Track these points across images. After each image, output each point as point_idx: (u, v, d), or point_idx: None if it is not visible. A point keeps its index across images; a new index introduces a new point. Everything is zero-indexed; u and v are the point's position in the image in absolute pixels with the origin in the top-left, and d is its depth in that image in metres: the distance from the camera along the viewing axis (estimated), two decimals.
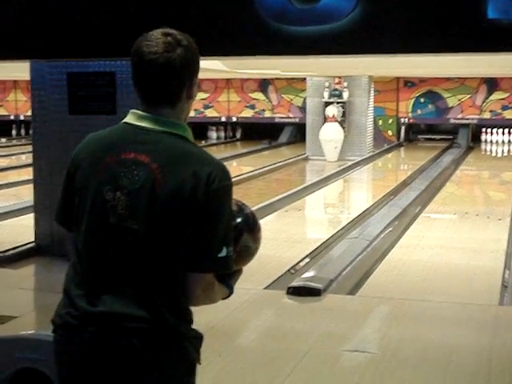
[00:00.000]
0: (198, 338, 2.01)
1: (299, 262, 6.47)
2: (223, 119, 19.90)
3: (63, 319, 1.93)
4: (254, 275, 6.07)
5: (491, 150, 17.59)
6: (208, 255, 1.89)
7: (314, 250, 6.93)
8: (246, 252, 2.14)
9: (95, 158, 1.95)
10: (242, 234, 2.10)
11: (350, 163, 14.20)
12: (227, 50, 6.02)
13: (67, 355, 1.93)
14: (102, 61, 6.42)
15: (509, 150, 17.42)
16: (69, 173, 2.02)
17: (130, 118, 1.97)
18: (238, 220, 2.09)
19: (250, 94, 19.58)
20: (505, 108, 17.98)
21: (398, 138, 18.58)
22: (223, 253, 1.89)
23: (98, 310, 1.87)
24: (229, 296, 2.12)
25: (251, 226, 2.15)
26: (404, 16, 6.05)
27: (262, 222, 7.20)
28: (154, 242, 1.87)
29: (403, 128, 18.68)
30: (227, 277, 2.08)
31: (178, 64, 1.90)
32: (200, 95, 19.84)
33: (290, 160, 15.39)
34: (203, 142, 19.68)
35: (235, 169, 14.86)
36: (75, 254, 1.96)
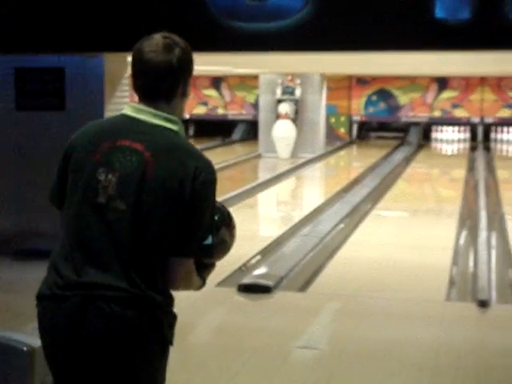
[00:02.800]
0: (172, 314, 2.14)
1: (250, 259, 6.46)
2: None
3: (50, 290, 2.05)
4: None
5: (441, 148, 17.84)
6: (194, 242, 2.05)
7: (266, 247, 6.93)
8: (223, 246, 2.25)
9: (92, 142, 2.10)
10: (220, 227, 2.23)
11: (302, 160, 14.25)
12: None
13: (51, 323, 2.04)
14: (52, 56, 6.33)
15: (458, 148, 17.68)
16: (65, 155, 2.15)
17: (128, 110, 2.13)
18: (217, 215, 2.20)
19: (203, 91, 19.52)
20: (455, 106, 18.24)
21: (350, 136, 18.72)
22: (209, 241, 2.07)
23: (81, 280, 2.01)
24: (201, 287, 2.26)
25: (228, 222, 2.29)
26: (353, 14, 6.08)
27: None
28: (139, 223, 2.00)
29: (355, 126, 18.83)
30: (202, 269, 2.20)
31: (175, 63, 2.09)
32: None
33: (243, 157, 15.39)
34: None
35: None
36: (64, 230, 2.08)
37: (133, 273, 2.00)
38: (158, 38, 2.11)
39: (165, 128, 2.08)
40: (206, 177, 2.04)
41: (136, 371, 2.05)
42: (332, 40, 6.12)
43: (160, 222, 2.01)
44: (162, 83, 2.10)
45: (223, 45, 6.54)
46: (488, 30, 5.69)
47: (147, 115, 2.09)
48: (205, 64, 12.14)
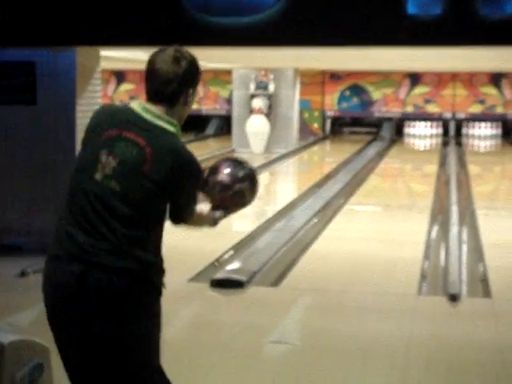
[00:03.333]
0: (162, 269, 2.53)
1: (223, 254, 6.46)
2: None
3: (57, 252, 2.36)
4: (178, 267, 6.05)
5: (414, 143, 17.95)
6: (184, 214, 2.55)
7: (239, 242, 6.93)
8: (240, 196, 2.69)
9: (100, 126, 2.43)
10: (245, 181, 2.68)
11: (275, 156, 14.27)
12: (150, 40, 5.96)
13: (54, 281, 2.35)
14: (23, 50, 6.27)
15: (431, 144, 17.80)
16: (86, 130, 2.50)
17: (137, 107, 2.43)
18: (243, 169, 2.69)
19: None
20: (427, 102, 18.36)
21: (324, 131, 18.77)
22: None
23: (82, 246, 2.31)
24: (212, 226, 2.73)
25: (253, 179, 2.71)
26: (326, 9, 6.09)
27: None
28: (130, 203, 2.33)
29: (329, 121, 18.88)
30: (217, 210, 2.68)
31: (180, 74, 2.42)
32: (125, 86, 19.61)
33: (217, 152, 15.36)
34: None
35: None
36: (66, 198, 2.41)
37: (125, 242, 2.33)
38: (169, 51, 2.44)
39: (165, 130, 2.40)
40: (192, 173, 2.43)
41: (133, 318, 2.37)
42: (305, 35, 6.13)
43: (147, 206, 2.36)
44: (167, 90, 2.42)
45: (196, 39, 6.51)
46: (459, 25, 5.73)
47: (152, 116, 2.40)
48: None
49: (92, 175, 2.36)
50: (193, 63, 2.46)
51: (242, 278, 5.45)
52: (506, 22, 5.77)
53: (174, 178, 2.37)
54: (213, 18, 6.36)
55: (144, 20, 6.04)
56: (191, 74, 2.46)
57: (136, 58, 10.37)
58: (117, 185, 2.34)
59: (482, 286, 5.70)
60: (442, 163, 13.82)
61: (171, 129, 2.42)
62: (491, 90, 18.03)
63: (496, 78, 17.91)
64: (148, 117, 2.40)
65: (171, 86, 2.42)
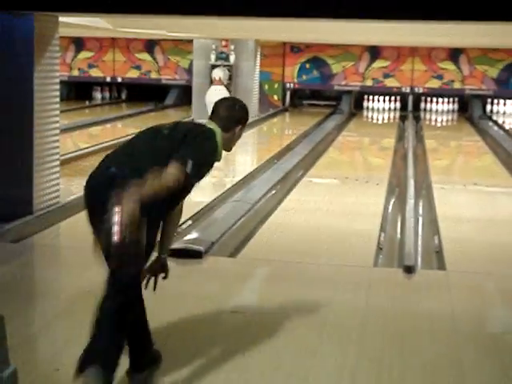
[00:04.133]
0: None
1: (181, 224, 6.44)
2: (108, 79, 19.47)
3: (93, 174, 3.27)
4: None
5: (372, 117, 18.06)
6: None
7: (197, 212, 6.93)
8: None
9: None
10: None
11: None
12: (108, 7, 5.87)
13: (92, 186, 3.26)
14: None
15: (389, 118, 17.93)
16: None
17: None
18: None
19: (136, 55, 19.23)
20: (386, 76, 18.45)
21: (284, 103, 18.77)
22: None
23: (110, 170, 3.20)
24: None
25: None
26: None
27: None
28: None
29: (288, 93, 18.87)
30: None
31: (236, 113, 3.48)
32: (84, 54, 19.33)
33: None
34: (87, 102, 19.25)
35: (120, 130, 14.64)
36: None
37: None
38: (230, 97, 3.86)
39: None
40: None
41: None
42: (265, 6, 6.10)
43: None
44: (225, 118, 3.44)
45: (157, 8, 6.44)
46: (419, 0, 5.75)
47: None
48: (138, 27, 11.95)
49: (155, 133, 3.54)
50: (245, 109, 3.52)
51: (200, 248, 5.46)
52: None
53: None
54: None
55: None
56: (241, 116, 3.49)
57: (96, 25, 10.19)
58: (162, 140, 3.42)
59: (436, 258, 5.80)
60: (400, 137, 13.95)
61: (212, 127, 3.39)
62: (449, 66, 18.19)
63: (454, 54, 18.05)
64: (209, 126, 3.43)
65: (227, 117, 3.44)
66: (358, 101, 18.64)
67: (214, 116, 3.46)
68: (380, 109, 18.60)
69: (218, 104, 3.52)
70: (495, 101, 18.19)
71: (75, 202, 6.94)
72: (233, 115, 3.44)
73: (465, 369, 3.64)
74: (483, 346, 3.94)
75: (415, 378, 3.56)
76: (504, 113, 18.18)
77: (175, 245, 5.55)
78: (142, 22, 10.09)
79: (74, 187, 7.92)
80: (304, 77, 18.71)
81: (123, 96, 19.86)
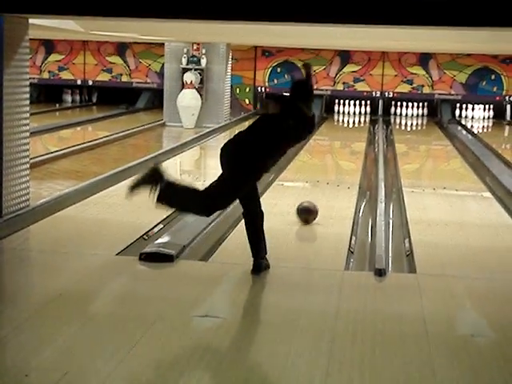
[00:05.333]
0: None
1: (153, 227, 6.43)
2: (79, 82, 19.34)
3: None
4: (106, 241, 6.01)
5: (343, 121, 18.14)
6: None
7: (169, 216, 6.90)
8: None
9: None
10: None
11: (206, 130, 14.22)
12: (80, 9, 5.84)
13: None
14: None
15: (360, 122, 18.03)
16: None
17: None
18: None
19: (107, 58, 19.14)
20: (356, 80, 18.55)
21: (255, 107, 18.78)
22: None
23: None
24: None
25: None
26: None
27: (116, 187, 7.15)
28: None
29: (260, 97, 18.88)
30: None
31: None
32: (54, 57, 19.19)
33: (147, 126, 15.24)
34: (57, 105, 19.11)
35: (90, 134, 14.55)
36: None
37: None
38: None
39: None
40: None
41: None
42: (237, 10, 6.10)
43: None
44: None
45: (129, 10, 6.41)
46: (390, 4, 5.79)
47: None
48: (110, 30, 11.89)
49: None
50: None
51: (171, 251, 5.44)
52: (436, 2, 5.85)
53: None
54: None
55: None
56: None
57: (67, 27, 10.12)
58: None
59: (407, 261, 5.84)
60: (371, 141, 14.03)
61: None
62: (419, 71, 18.34)
63: (424, 59, 18.22)
64: None
65: None
66: (328, 105, 18.72)
67: None
68: (351, 113, 18.69)
69: None
70: (464, 105, 18.41)
71: (45, 205, 6.89)
72: None
73: (435, 371, 3.66)
74: (454, 348, 3.97)
75: (386, 380, 3.58)
76: (472, 117, 18.39)
77: (146, 249, 5.54)
78: (113, 25, 10.05)
79: (43, 191, 7.87)
80: (275, 81, 18.74)
81: (94, 99, 19.74)
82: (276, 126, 5.12)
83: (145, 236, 6.18)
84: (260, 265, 5.13)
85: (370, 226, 6.93)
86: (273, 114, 5.21)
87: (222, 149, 5.15)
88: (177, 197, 5.08)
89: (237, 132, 5.23)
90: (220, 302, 4.68)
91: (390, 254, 6.01)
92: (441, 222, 7.14)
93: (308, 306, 4.62)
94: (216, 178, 5.21)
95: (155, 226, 6.49)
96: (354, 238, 6.41)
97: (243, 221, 5.35)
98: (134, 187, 5.07)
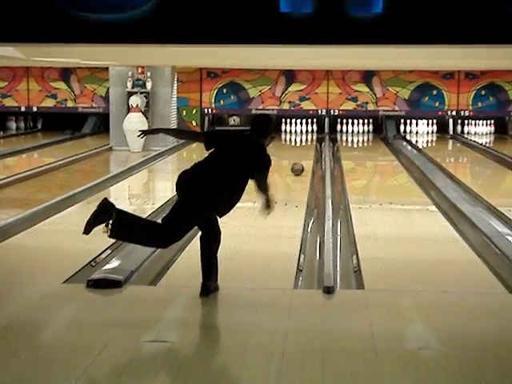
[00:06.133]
0: None
1: (100, 253, 6.37)
2: (23, 109, 19.13)
3: None
4: (53, 269, 5.93)
5: (291, 140, 18.27)
6: None
7: (117, 241, 6.84)
8: None
9: None
10: None
11: (154, 153, 14.18)
12: (18, 36, 5.79)
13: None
14: None
15: (307, 140, 18.17)
16: None
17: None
18: None
19: (52, 84, 18.97)
20: (302, 99, 18.73)
21: (202, 129, 18.79)
22: None
23: None
24: None
25: None
26: (199, 7, 6.11)
27: (62, 214, 7.07)
28: None
29: (207, 118, 18.92)
30: None
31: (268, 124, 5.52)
32: None
33: (94, 151, 15.13)
34: (1, 132, 18.84)
35: (36, 160, 14.38)
36: None
37: None
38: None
39: None
40: None
41: None
42: (178, 33, 6.12)
43: None
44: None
45: (68, 36, 6.38)
46: (329, 24, 5.88)
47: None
48: (51, 56, 11.80)
49: None
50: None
51: (119, 277, 5.39)
52: (374, 21, 5.96)
53: None
54: (85, 14, 6.25)
55: (14, 15, 5.86)
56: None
57: (8, 54, 10.02)
58: None
59: (355, 277, 5.89)
60: (318, 159, 14.14)
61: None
62: (363, 88, 18.61)
63: (367, 76, 18.50)
64: None
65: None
66: (275, 124, 18.80)
67: None
68: (297, 131, 18.84)
69: None
70: (408, 121, 18.73)
71: None
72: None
73: None
74: (401, 361, 4.02)
75: None
76: (416, 132, 18.72)
77: (94, 275, 5.48)
78: (54, 51, 9.97)
79: None
80: (222, 102, 18.80)
81: (39, 125, 19.53)
82: (232, 158, 5.16)
83: (92, 262, 6.12)
84: (208, 287, 5.12)
85: (318, 244, 6.98)
86: (230, 146, 5.25)
87: (178, 178, 5.21)
88: (131, 230, 5.04)
89: (194, 162, 5.29)
90: (169, 325, 4.65)
91: (339, 271, 6.05)
92: (388, 237, 7.23)
93: (257, 326, 4.63)
94: (170, 209, 5.17)
95: (103, 251, 6.43)
96: (302, 256, 6.45)
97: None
98: (89, 226, 5.02)
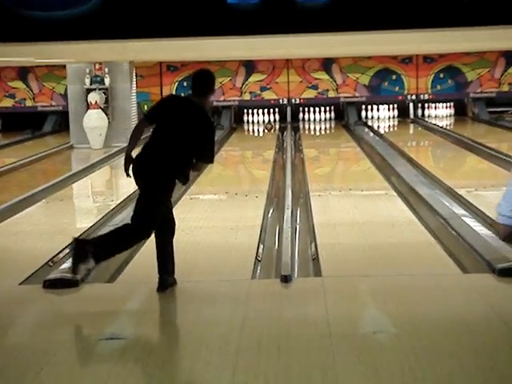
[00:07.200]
0: None
1: (58, 253, 6.33)
2: None
3: None
4: (8, 271, 5.89)
5: (253, 130, 18.28)
6: None
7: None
8: None
9: None
10: None
11: (115, 149, 14.09)
12: None
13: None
14: None
15: (270, 129, 18.17)
16: None
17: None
18: None
19: (9, 83, 18.76)
20: (263, 89, 18.73)
21: None
22: None
23: None
24: None
25: None
26: (148, 2, 6.11)
27: (21, 214, 6.99)
28: None
29: None
30: None
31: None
32: None
33: (55, 149, 15.00)
34: None
35: None
36: None
37: None
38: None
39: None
40: None
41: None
42: (126, 27, 6.11)
43: None
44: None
45: (17, 35, 6.34)
46: (277, 14, 5.90)
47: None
48: (8, 55, 11.67)
49: None
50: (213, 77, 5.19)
51: (76, 276, 5.35)
52: (321, 9, 6.00)
53: None
54: (32, 12, 6.21)
55: None
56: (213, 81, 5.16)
57: None
58: None
59: (313, 265, 5.93)
60: (280, 148, 14.17)
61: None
62: (323, 76, 18.67)
63: (327, 64, 18.56)
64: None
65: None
66: (237, 115, 18.83)
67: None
68: (260, 122, 18.86)
69: None
70: (369, 107, 18.82)
71: None
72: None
73: (337, 370, 3.73)
74: (355, 346, 4.06)
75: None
76: (378, 118, 18.82)
77: (50, 275, 5.45)
78: (7, 50, 9.87)
79: None
80: (183, 94, 18.70)
81: None
82: (173, 128, 5.04)
83: (50, 262, 6.07)
84: (165, 281, 5.12)
85: (277, 233, 7.00)
86: (169, 115, 5.09)
87: (132, 168, 5.12)
88: (112, 244, 5.03)
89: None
90: (125, 322, 4.64)
91: (297, 260, 6.08)
92: (346, 223, 7.28)
93: (214, 318, 4.64)
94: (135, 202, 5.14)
95: (61, 251, 6.39)
96: (261, 246, 6.47)
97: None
98: (74, 270, 4.98)
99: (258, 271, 5.82)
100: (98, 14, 6.17)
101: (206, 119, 5.11)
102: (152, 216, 5.02)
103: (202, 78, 5.13)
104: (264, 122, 18.13)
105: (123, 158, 5.22)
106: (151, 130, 5.21)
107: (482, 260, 5.57)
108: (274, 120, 18.78)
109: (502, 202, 3.08)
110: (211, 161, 5.22)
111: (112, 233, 5.23)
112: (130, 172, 5.13)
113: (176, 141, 5.02)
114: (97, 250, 4.94)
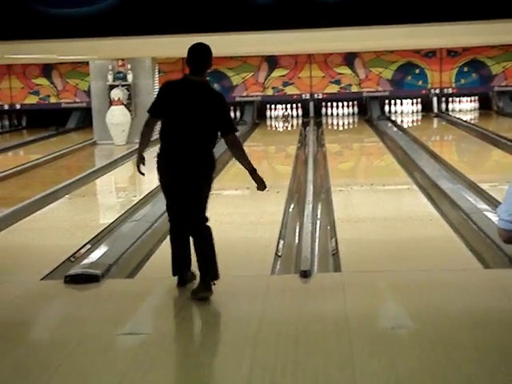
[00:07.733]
0: None
1: (80, 249, 6.38)
2: (6, 107, 19.07)
3: None
4: (32, 266, 5.94)
5: (276, 126, 18.26)
6: None
7: (97, 235, 6.87)
8: None
9: None
10: None
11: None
12: None
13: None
14: None
15: (292, 125, 18.16)
16: None
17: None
18: None
19: (34, 80, 18.91)
20: (286, 84, 18.71)
21: None
22: None
23: None
24: None
25: None
26: None
27: (44, 211, 7.04)
28: None
29: None
30: None
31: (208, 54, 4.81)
32: None
33: (78, 145, 15.11)
34: None
35: (22, 158, 14.33)
36: None
37: None
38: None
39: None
40: None
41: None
42: (147, 23, 6.12)
43: None
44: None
45: (41, 33, 6.38)
46: (296, 9, 5.89)
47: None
48: (27, 53, 11.76)
49: None
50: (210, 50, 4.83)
51: (97, 271, 5.40)
52: (343, 5, 5.97)
53: None
54: (52, 10, 6.24)
55: None
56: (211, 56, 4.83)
57: None
58: None
59: (333, 260, 5.91)
60: (302, 143, 14.15)
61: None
62: (346, 70, 18.60)
63: (349, 59, 18.49)
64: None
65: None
66: (260, 110, 18.82)
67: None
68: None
69: None
70: (392, 101, 18.72)
71: None
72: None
73: (355, 366, 3.72)
74: (374, 342, 4.04)
75: (307, 380, 3.62)
76: (401, 112, 18.72)
77: (72, 270, 5.49)
78: (29, 48, 9.95)
79: None
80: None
81: (23, 123, 19.49)
82: (183, 113, 4.81)
83: (71, 258, 6.12)
84: (185, 277, 5.13)
85: (298, 229, 7.00)
86: (173, 102, 4.82)
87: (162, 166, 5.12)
88: (213, 255, 5.06)
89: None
90: (145, 317, 4.67)
91: (317, 255, 6.07)
92: (367, 218, 7.25)
93: (233, 314, 4.65)
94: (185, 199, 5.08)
95: (82, 246, 6.44)
96: (281, 241, 6.47)
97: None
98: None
99: (278, 266, 5.81)
100: (118, 10, 6.20)
101: (214, 93, 4.91)
102: (200, 209, 5.04)
103: (200, 53, 4.81)
104: (282, 115, 18.10)
105: (146, 152, 5.22)
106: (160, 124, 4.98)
107: (504, 255, 5.52)
108: (297, 115, 18.75)
109: (502, 206, 3.00)
110: (235, 129, 5.05)
111: (203, 249, 5.08)
112: (143, 169, 5.16)
113: (193, 125, 4.82)
114: (212, 274, 4.95)
